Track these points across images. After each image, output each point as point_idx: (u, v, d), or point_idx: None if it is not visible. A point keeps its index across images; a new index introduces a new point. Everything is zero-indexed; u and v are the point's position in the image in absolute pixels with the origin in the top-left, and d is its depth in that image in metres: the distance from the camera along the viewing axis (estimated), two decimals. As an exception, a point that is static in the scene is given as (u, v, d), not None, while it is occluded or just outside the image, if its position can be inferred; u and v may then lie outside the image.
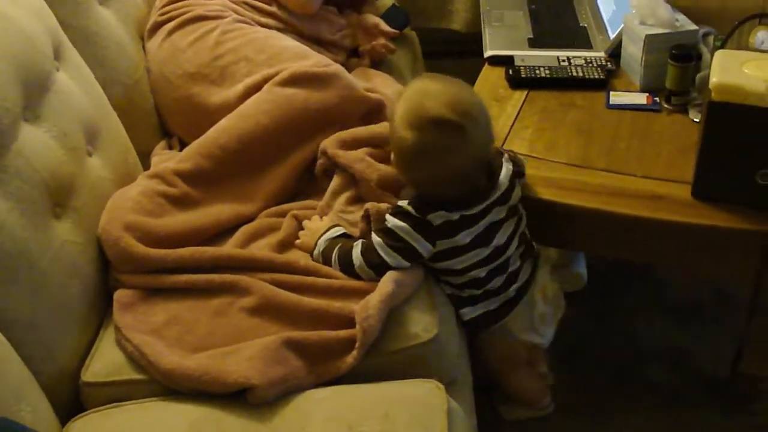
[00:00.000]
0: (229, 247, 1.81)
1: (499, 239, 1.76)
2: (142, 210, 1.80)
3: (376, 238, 1.71)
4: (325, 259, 1.76)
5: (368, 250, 1.71)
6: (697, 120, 2.00)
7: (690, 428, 2.11)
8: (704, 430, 2.10)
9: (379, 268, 1.69)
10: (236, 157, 1.91)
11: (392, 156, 1.74)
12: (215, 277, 1.72)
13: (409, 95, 1.67)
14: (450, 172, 1.66)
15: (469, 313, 1.81)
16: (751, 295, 1.90)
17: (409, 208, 1.69)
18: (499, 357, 1.98)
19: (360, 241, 1.74)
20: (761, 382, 2.13)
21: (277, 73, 2.00)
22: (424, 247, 1.70)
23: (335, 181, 1.91)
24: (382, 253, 1.69)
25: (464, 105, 1.64)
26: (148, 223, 1.78)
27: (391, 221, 1.71)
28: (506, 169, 1.76)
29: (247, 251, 1.78)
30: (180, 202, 1.86)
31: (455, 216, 1.69)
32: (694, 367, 2.26)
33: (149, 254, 1.74)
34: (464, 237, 1.71)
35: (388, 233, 1.70)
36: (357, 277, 1.72)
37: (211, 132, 1.95)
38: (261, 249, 1.83)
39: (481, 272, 1.77)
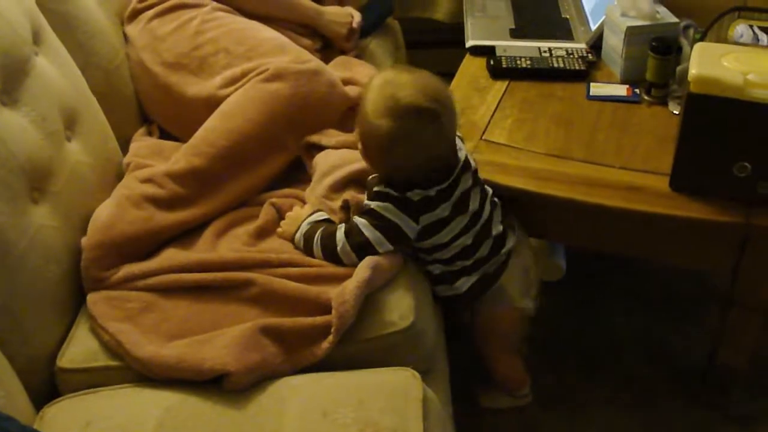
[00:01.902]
0: (202, 249, 1.80)
1: (474, 204, 1.77)
2: (126, 217, 1.78)
3: (359, 219, 1.72)
4: (307, 241, 1.76)
5: (352, 231, 1.71)
6: (677, 112, 2.01)
7: (667, 420, 2.12)
8: (681, 422, 2.11)
9: (362, 248, 1.70)
10: (228, 153, 1.90)
11: (361, 146, 1.74)
12: (188, 276, 1.71)
13: (379, 86, 1.67)
14: (425, 157, 1.67)
15: (464, 283, 1.82)
16: (727, 287, 1.91)
17: (388, 189, 1.70)
18: (499, 329, 1.97)
19: (344, 224, 1.74)
20: (737, 374, 2.14)
21: (256, 68, 2.00)
22: (408, 226, 1.70)
23: (322, 165, 1.91)
24: (365, 231, 1.69)
25: (436, 91, 1.67)
26: (139, 238, 1.78)
27: (373, 203, 1.71)
28: (458, 140, 1.78)
29: (217, 255, 1.76)
30: (168, 203, 1.85)
31: (432, 192, 1.70)
32: (671, 358, 2.27)
33: (119, 277, 1.73)
34: (444, 210, 1.72)
35: (371, 213, 1.71)
36: (337, 260, 1.72)
37: (199, 132, 1.94)
38: (239, 237, 1.83)
39: (468, 239, 1.78)
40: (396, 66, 1.74)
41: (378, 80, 1.69)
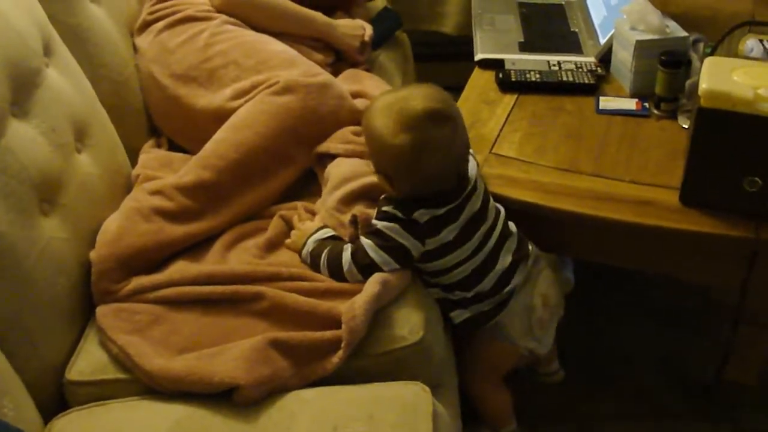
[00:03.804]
0: (211, 261, 1.80)
1: (481, 231, 1.76)
2: (135, 230, 1.78)
3: (365, 240, 1.71)
4: (314, 259, 1.76)
5: (358, 252, 1.71)
6: (686, 126, 2.01)
7: (675, 434, 2.12)
8: (689, 437, 2.11)
9: (367, 269, 1.69)
10: (236, 166, 1.90)
11: (382, 177, 1.71)
12: (198, 290, 1.71)
13: (383, 109, 1.67)
14: (449, 162, 1.68)
15: (460, 315, 1.81)
16: (736, 302, 1.90)
17: (395, 211, 1.70)
18: (491, 361, 1.95)
19: (350, 244, 1.74)
20: (745, 390, 2.14)
21: (265, 81, 2.00)
22: (413, 246, 1.70)
23: (334, 177, 1.90)
24: (371, 254, 1.69)
25: (442, 96, 1.68)
26: (147, 251, 1.77)
27: (380, 223, 1.71)
28: (472, 162, 1.78)
29: (226, 268, 1.75)
30: (177, 216, 1.84)
31: (441, 210, 1.70)
32: (679, 373, 2.26)
33: (129, 290, 1.73)
34: (448, 234, 1.71)
35: (377, 234, 1.71)
36: (343, 280, 1.72)
37: (209, 145, 1.94)
38: (249, 249, 1.83)
39: (469, 267, 1.76)
40: (387, 90, 1.73)
41: (379, 105, 1.68)
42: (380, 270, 1.69)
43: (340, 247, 1.74)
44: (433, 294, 1.80)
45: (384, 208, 1.72)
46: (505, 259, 1.80)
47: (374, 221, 1.73)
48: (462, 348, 1.93)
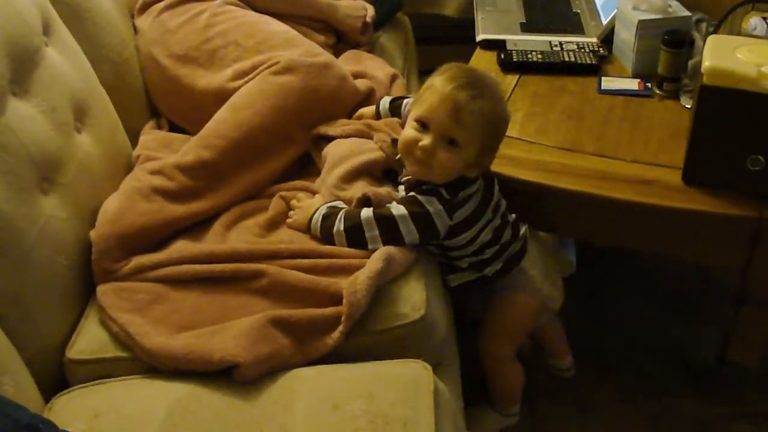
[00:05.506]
0: (212, 240, 1.79)
1: (495, 194, 1.81)
2: (136, 209, 1.77)
3: (397, 204, 1.73)
4: (326, 219, 1.75)
5: (382, 208, 1.72)
6: (688, 106, 2.01)
7: (677, 417, 2.11)
8: (691, 419, 2.10)
9: (385, 222, 1.70)
10: (237, 146, 1.90)
11: (491, 153, 1.76)
12: (198, 268, 1.70)
13: (487, 87, 1.72)
14: None
15: (492, 268, 1.84)
16: (739, 284, 1.89)
17: (442, 191, 1.72)
18: (514, 319, 1.96)
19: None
20: (747, 372, 2.13)
21: (266, 61, 1.99)
22: (442, 221, 1.71)
23: (332, 156, 1.90)
24: (395, 211, 1.70)
25: None
26: (148, 230, 1.77)
27: (419, 197, 1.72)
28: None
29: (227, 246, 1.75)
30: (178, 195, 1.84)
31: (474, 187, 1.75)
32: (682, 356, 2.26)
33: (129, 269, 1.72)
34: (473, 204, 1.75)
35: (410, 198, 1.73)
36: (356, 235, 1.71)
37: (210, 125, 1.94)
38: (249, 228, 1.82)
39: (492, 228, 1.80)
40: (449, 67, 1.74)
41: (478, 82, 1.71)
42: (397, 229, 1.70)
43: (358, 210, 1.74)
44: (464, 262, 1.82)
45: (426, 187, 1.73)
46: (511, 215, 1.86)
47: (412, 193, 1.74)
48: (464, 324, 1.95)
